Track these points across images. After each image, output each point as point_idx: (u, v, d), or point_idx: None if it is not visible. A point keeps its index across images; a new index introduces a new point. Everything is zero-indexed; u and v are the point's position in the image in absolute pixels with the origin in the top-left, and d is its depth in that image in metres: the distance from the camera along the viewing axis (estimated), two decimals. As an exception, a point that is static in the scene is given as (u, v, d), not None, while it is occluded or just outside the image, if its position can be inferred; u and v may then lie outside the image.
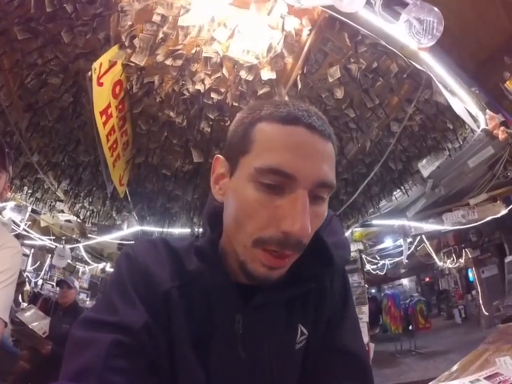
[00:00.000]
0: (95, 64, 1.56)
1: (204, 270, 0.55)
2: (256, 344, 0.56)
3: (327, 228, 0.60)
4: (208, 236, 0.57)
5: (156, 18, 1.57)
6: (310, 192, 0.49)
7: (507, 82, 1.74)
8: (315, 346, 0.60)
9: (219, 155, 0.58)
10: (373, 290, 12.35)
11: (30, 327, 2.67)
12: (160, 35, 1.64)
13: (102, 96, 1.73)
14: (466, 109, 1.87)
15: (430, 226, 4.58)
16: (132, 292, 0.52)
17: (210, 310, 0.55)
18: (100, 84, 1.65)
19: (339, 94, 2.00)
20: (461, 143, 2.65)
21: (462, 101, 1.86)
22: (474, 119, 1.97)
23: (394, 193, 3.54)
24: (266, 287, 0.53)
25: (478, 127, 2.03)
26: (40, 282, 7.09)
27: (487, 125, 1.93)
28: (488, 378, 1.07)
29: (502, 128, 1.85)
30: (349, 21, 1.45)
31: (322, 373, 0.59)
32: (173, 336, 0.53)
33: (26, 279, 5.54)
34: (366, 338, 3.97)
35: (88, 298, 7.85)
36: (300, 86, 1.92)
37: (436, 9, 1.18)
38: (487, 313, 6.93)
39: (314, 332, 0.61)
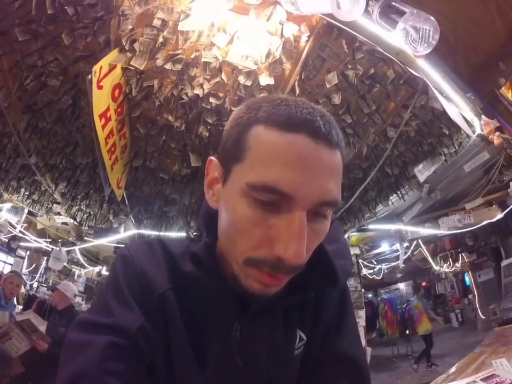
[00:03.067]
0: (95, 67, 1.57)
1: (200, 275, 0.53)
2: (254, 352, 0.55)
3: (327, 234, 0.57)
4: (204, 240, 0.54)
5: (156, 22, 1.58)
6: (310, 210, 0.44)
7: (502, 88, 1.76)
8: (314, 351, 0.59)
9: (213, 157, 0.54)
10: (370, 295, 12.33)
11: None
12: (160, 39, 1.65)
13: (101, 99, 1.74)
14: (461, 114, 1.90)
15: (426, 230, 4.60)
16: (128, 294, 0.51)
17: (207, 316, 0.54)
18: (100, 87, 1.66)
19: (336, 99, 2.02)
20: (457, 148, 2.67)
21: (458, 106, 1.88)
22: (470, 125, 1.99)
23: (391, 198, 3.54)
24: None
25: (474, 132, 2.05)
26: (35, 285, 7.04)
27: (482, 130, 1.96)
28: (484, 380, 1.07)
29: (497, 133, 1.87)
30: (346, 28, 1.47)
31: (321, 379, 0.58)
32: (169, 339, 0.51)
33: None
34: (363, 343, 3.96)
35: (83, 302, 7.80)
36: (297, 92, 1.94)
37: (432, 18, 1.20)
38: (483, 317, 6.96)
39: (312, 337, 0.59)
